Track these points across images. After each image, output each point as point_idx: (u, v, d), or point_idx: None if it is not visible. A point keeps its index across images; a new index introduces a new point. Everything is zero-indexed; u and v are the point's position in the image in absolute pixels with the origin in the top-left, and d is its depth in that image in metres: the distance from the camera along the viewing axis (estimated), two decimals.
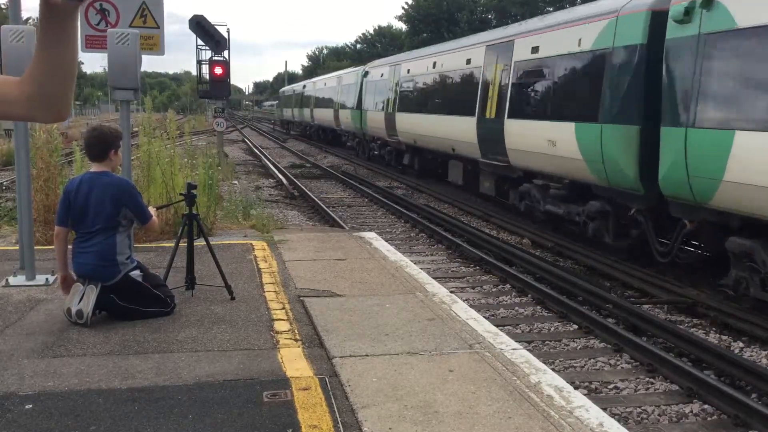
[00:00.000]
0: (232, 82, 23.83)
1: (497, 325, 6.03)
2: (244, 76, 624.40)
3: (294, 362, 4.61)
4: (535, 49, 12.89)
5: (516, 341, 5.21)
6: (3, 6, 47.16)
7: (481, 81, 15.47)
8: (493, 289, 9.65)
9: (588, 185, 11.16)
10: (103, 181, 5.41)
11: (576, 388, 4.88)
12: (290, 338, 5.11)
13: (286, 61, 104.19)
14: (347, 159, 31.11)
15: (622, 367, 6.80)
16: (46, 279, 6.55)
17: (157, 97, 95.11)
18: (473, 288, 9.72)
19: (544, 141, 11.92)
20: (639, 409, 5.80)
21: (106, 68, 7.73)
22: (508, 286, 9.77)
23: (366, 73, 28.54)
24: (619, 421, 5.02)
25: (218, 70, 21.36)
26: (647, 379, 6.45)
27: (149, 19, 7.93)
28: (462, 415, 3.79)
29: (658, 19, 9.36)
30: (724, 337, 7.67)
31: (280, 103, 68.16)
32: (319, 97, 39.96)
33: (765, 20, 7.48)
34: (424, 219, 14.79)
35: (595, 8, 11.36)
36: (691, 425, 5.57)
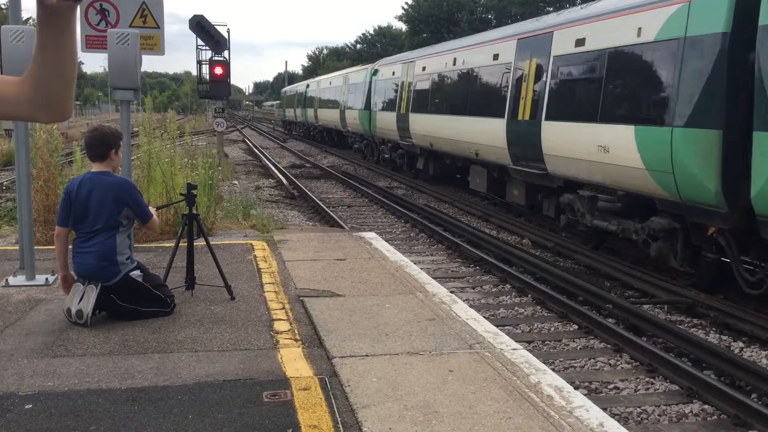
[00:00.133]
0: (232, 83, 23.74)
1: (497, 325, 6.03)
2: (244, 76, 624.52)
3: (294, 362, 4.61)
4: (580, 42, 11.33)
5: (516, 341, 5.21)
6: (3, 6, 47.20)
7: (511, 79, 13.87)
8: (493, 289, 9.65)
9: (650, 198, 9.57)
10: (104, 181, 5.41)
11: (576, 388, 4.88)
12: (290, 338, 5.11)
13: (286, 61, 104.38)
14: (354, 161, 31.02)
15: (622, 367, 6.80)
16: (46, 279, 6.55)
17: (157, 97, 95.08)
18: (473, 288, 9.72)
19: (593, 146, 10.40)
20: (639, 409, 5.80)
21: (106, 68, 7.74)
22: (508, 286, 9.77)
23: (375, 72, 27.03)
24: (619, 421, 5.02)
25: (218, 70, 21.36)
26: (647, 379, 6.45)
27: (149, 19, 7.93)
28: (462, 415, 3.79)
29: (744, 3, 8.03)
30: (724, 337, 7.67)
31: (281, 103, 66.55)
32: (324, 96, 38.45)
33: None
34: (424, 219, 14.79)
35: None
36: (691, 425, 5.57)
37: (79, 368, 4.45)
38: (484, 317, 6.03)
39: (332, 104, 35.61)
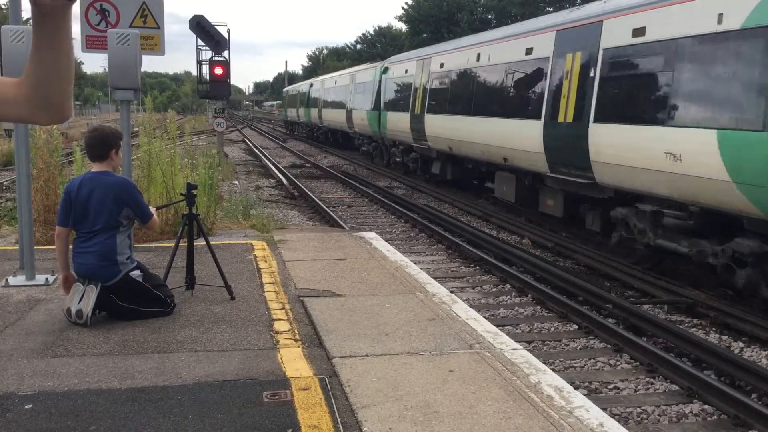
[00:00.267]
0: (232, 83, 23.70)
1: (497, 325, 6.03)
2: (244, 76, 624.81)
3: (294, 362, 4.61)
4: (638, 32, 9.83)
5: (516, 341, 5.21)
6: (3, 6, 47.19)
7: (549, 75, 12.35)
8: (493, 289, 9.65)
9: (735, 216, 8.25)
10: (105, 181, 5.41)
11: (576, 388, 4.88)
12: (290, 338, 5.11)
13: (286, 61, 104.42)
14: (354, 161, 31.00)
15: (622, 367, 6.80)
16: (46, 279, 6.55)
17: (157, 98, 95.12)
18: (473, 288, 9.72)
19: (658, 153, 8.98)
20: (639, 409, 5.80)
21: (107, 68, 7.74)
22: (508, 286, 9.77)
23: (386, 70, 25.37)
24: (619, 421, 5.03)
25: (218, 71, 21.36)
26: (647, 379, 6.45)
27: (149, 19, 7.93)
28: (462, 415, 3.79)
29: None
30: (724, 337, 7.67)
31: (283, 102, 64.75)
32: (329, 96, 36.77)
33: None
34: (424, 219, 14.79)
35: None
36: (691, 425, 5.57)
37: (79, 368, 4.45)
38: (484, 317, 6.03)
39: (338, 104, 34.12)
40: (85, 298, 5.30)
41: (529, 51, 13.42)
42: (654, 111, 9.45)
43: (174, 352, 4.77)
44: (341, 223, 14.14)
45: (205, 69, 22.79)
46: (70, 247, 5.53)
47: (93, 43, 7.87)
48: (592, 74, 10.97)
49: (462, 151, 17.12)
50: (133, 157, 9.00)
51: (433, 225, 14.03)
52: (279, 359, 4.67)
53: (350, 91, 31.21)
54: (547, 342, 7.52)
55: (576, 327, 7.94)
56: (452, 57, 18.30)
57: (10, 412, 3.80)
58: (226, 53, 21.62)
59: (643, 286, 9.48)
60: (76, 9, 8.25)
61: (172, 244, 6.70)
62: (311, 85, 44.89)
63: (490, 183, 18.25)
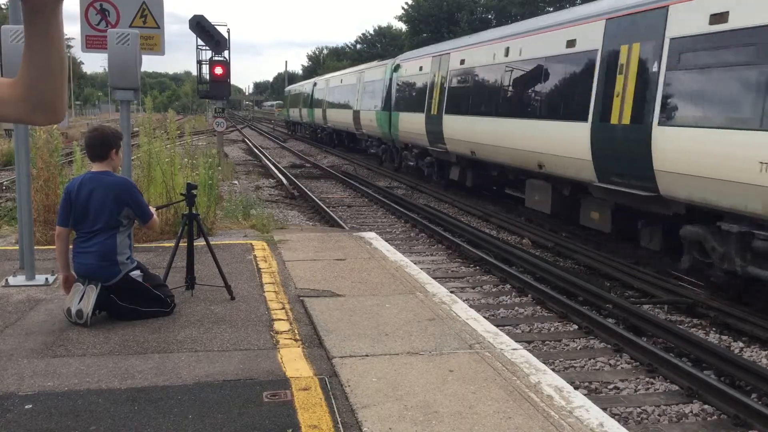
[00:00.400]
0: (232, 82, 23.67)
1: (497, 325, 6.03)
2: (244, 76, 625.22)
3: (294, 362, 4.61)
4: (717, 18, 8.32)
5: (516, 341, 5.21)
6: (3, 6, 47.20)
7: (598, 71, 10.82)
8: (493, 289, 9.65)
9: None
10: (105, 180, 5.41)
11: (576, 388, 4.88)
12: (290, 338, 5.11)
13: (286, 61, 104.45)
14: (354, 161, 30.99)
15: (622, 367, 6.80)
16: (46, 279, 6.55)
17: (157, 97, 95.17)
18: (473, 288, 9.72)
19: (752, 163, 7.59)
20: (639, 409, 5.80)
21: (106, 68, 7.74)
22: (508, 286, 9.77)
23: (397, 68, 23.75)
24: (619, 421, 5.02)
25: (218, 70, 21.36)
26: (647, 379, 6.45)
27: (149, 19, 7.93)
28: (462, 415, 3.79)
29: None
30: (724, 337, 7.67)
31: (285, 102, 62.98)
32: (335, 96, 35.05)
33: None
34: (424, 219, 14.79)
35: None
36: (691, 425, 5.57)
37: (79, 368, 4.45)
38: (484, 317, 6.04)
39: (344, 104, 32.47)
40: (85, 298, 5.30)
41: (571, 43, 11.75)
42: (746, 112, 7.97)
43: (174, 352, 4.77)
44: (341, 223, 14.15)
45: (205, 69, 22.79)
46: (70, 247, 5.53)
47: (93, 43, 7.87)
48: (655, 69, 9.37)
49: (487, 156, 15.46)
50: (133, 157, 9.00)
51: (433, 225, 14.03)
52: (279, 359, 4.67)
53: (357, 91, 29.69)
54: (547, 342, 7.52)
55: (576, 327, 7.94)
56: (475, 52, 16.55)
57: (10, 412, 3.80)
58: (226, 53, 21.63)
59: (643, 286, 9.48)
60: (75, 9, 8.16)
61: (172, 244, 6.70)
62: (315, 84, 43.23)
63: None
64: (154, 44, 8.01)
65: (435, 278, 7.65)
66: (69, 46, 79.52)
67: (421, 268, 7.77)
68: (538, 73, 13.09)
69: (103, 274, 5.38)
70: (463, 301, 6.56)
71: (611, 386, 6.29)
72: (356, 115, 29.34)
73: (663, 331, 7.47)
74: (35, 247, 6.90)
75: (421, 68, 20.71)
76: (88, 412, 3.82)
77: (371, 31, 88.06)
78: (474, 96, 16.33)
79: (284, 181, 22.08)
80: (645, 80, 9.65)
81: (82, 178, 5.56)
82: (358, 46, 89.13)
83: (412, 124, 20.91)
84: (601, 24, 10.93)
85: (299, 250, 8.38)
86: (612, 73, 10.52)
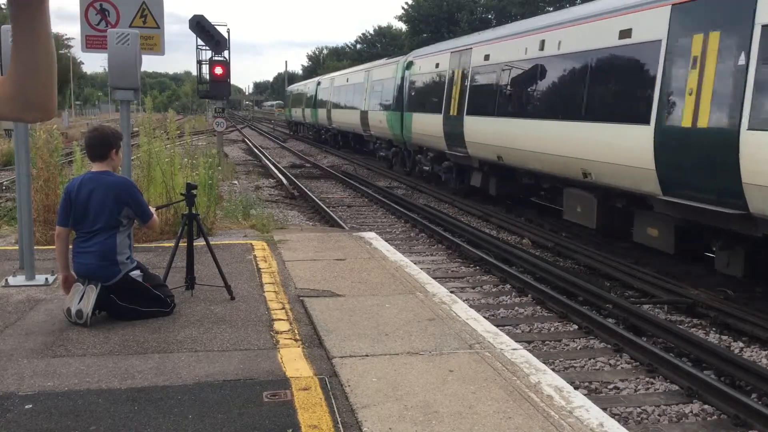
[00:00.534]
0: (232, 82, 23.65)
1: (497, 325, 6.03)
2: (244, 76, 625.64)
3: (294, 362, 4.61)
4: None
5: (516, 341, 5.21)
6: (3, 6, 47.18)
7: (663, 65, 9.21)
8: (493, 289, 9.65)
9: None
10: (105, 180, 5.42)
11: (576, 388, 4.88)
12: (290, 338, 5.11)
13: (286, 61, 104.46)
14: (354, 161, 30.98)
15: (622, 367, 6.80)
16: (46, 279, 6.55)
17: (157, 97, 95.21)
18: (473, 288, 9.72)
19: None
20: (639, 409, 5.80)
21: (107, 68, 7.74)
22: (508, 286, 9.77)
23: (409, 65, 22.14)
24: (619, 421, 5.02)
25: (218, 70, 21.37)
26: (647, 379, 6.45)
27: (149, 19, 7.93)
28: (462, 415, 3.79)
29: None
30: (724, 337, 7.67)
31: (287, 102, 61.35)
32: (340, 95, 33.46)
33: None
34: (424, 219, 14.79)
35: None
36: (691, 425, 5.57)
37: (79, 368, 4.45)
38: (484, 317, 6.04)
39: (351, 104, 30.87)
40: (85, 298, 5.30)
41: (625, 34, 10.20)
42: None
43: (174, 352, 4.77)
44: (341, 223, 14.15)
45: (205, 69, 22.80)
46: (70, 247, 5.53)
47: (93, 43, 7.87)
48: (742, 62, 8.03)
49: (516, 162, 13.87)
50: (133, 157, 9.00)
51: (433, 225, 14.03)
52: (279, 359, 4.67)
53: (365, 90, 28.08)
54: (547, 342, 7.52)
55: (576, 327, 7.94)
56: (503, 46, 14.85)
57: (10, 412, 3.80)
58: (226, 53, 21.64)
59: (643, 286, 9.48)
60: (75, 9, 8.15)
61: (171, 244, 6.70)
62: (319, 83, 41.45)
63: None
64: (154, 44, 8.01)
65: (435, 278, 7.65)
66: (68, 46, 79.59)
67: (421, 268, 7.77)
68: (582, 68, 11.48)
69: (103, 274, 5.38)
70: (463, 301, 6.56)
71: (611, 386, 6.29)
72: (364, 115, 27.89)
73: (663, 331, 7.47)
74: (35, 247, 6.90)
75: (437, 65, 19.08)
76: (88, 412, 3.82)
77: (371, 31, 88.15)
78: (502, 95, 14.60)
79: (284, 181, 22.08)
80: (729, 76, 8.21)
81: (82, 178, 5.56)
82: (358, 46, 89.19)
83: (427, 125, 19.31)
84: (665, 11, 9.33)
85: (299, 250, 8.38)
86: (682, 67, 8.96)
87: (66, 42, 79.71)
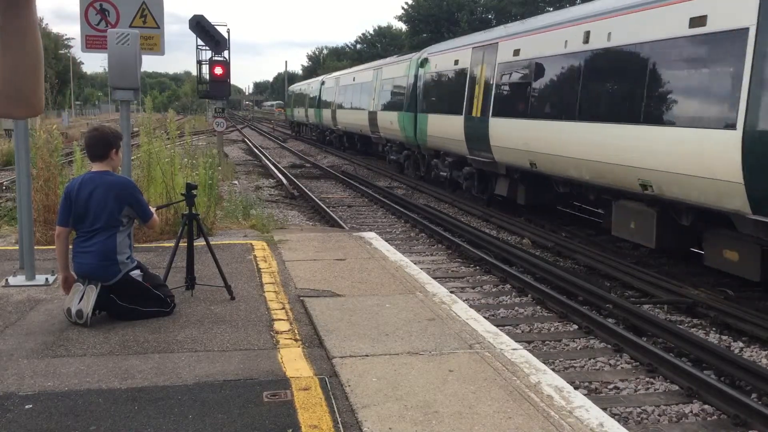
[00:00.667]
0: (232, 82, 23.63)
1: (497, 325, 6.03)
2: (244, 76, 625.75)
3: (294, 362, 4.61)
4: None
5: (516, 341, 5.21)
6: None
7: (752, 57, 7.68)
8: (493, 289, 9.65)
9: None
10: (106, 180, 5.42)
11: (576, 388, 4.88)
12: (290, 338, 5.11)
13: (286, 61, 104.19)
14: (355, 162, 30.95)
15: (622, 367, 6.80)
16: (46, 279, 6.55)
17: (157, 97, 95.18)
18: (473, 288, 9.72)
19: None
20: (639, 409, 5.80)
21: (107, 68, 7.74)
22: (508, 286, 9.77)
23: (424, 62, 20.56)
24: (619, 421, 5.02)
25: (218, 70, 21.36)
26: (647, 379, 6.45)
27: (149, 19, 7.93)
28: (462, 415, 3.79)
29: None
30: (724, 337, 7.67)
31: (288, 102, 59.59)
32: (346, 95, 31.86)
33: None
34: (424, 219, 14.79)
35: None
36: (691, 425, 5.57)
37: (79, 368, 4.45)
38: (484, 317, 6.04)
39: (358, 104, 29.37)
40: (85, 298, 5.30)
41: (698, 21, 8.65)
42: None
43: (174, 352, 4.77)
44: (341, 223, 14.15)
45: (205, 69, 22.79)
46: (70, 247, 5.53)
47: (93, 43, 7.87)
48: None
49: (554, 170, 12.32)
50: (133, 157, 9.00)
51: (433, 225, 14.03)
52: (279, 359, 4.67)
53: (374, 89, 26.48)
54: (547, 342, 7.52)
55: (576, 327, 7.94)
56: (536, 40, 13.25)
57: (10, 412, 3.80)
58: (226, 53, 21.63)
59: (643, 286, 9.48)
60: (75, 9, 8.14)
61: (172, 244, 6.70)
62: (323, 82, 39.78)
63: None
64: (154, 44, 8.01)
65: (435, 278, 7.65)
66: (69, 46, 79.52)
67: (421, 268, 7.77)
68: (641, 63, 9.82)
69: (103, 274, 5.38)
70: (463, 301, 6.56)
71: (611, 386, 6.29)
72: (372, 116, 26.26)
73: (663, 331, 7.47)
74: (35, 247, 6.90)
75: (456, 62, 17.51)
76: (88, 412, 3.82)
77: (371, 31, 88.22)
78: (536, 95, 13.06)
79: (284, 181, 22.09)
80: None
81: (82, 178, 5.56)
82: (358, 46, 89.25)
83: (445, 127, 17.82)
84: None
85: (299, 250, 8.38)
86: None
87: (66, 42, 79.70)
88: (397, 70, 23.83)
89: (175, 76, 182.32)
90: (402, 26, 73.55)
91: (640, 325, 7.76)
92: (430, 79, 19.83)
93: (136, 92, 7.15)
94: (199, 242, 6.43)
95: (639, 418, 5.67)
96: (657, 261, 10.82)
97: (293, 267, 7.42)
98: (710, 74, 8.62)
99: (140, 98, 9.13)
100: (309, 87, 45.74)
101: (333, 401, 3.98)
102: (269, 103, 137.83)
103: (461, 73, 17.07)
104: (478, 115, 15.53)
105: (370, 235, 9.53)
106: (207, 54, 22.54)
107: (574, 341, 7.53)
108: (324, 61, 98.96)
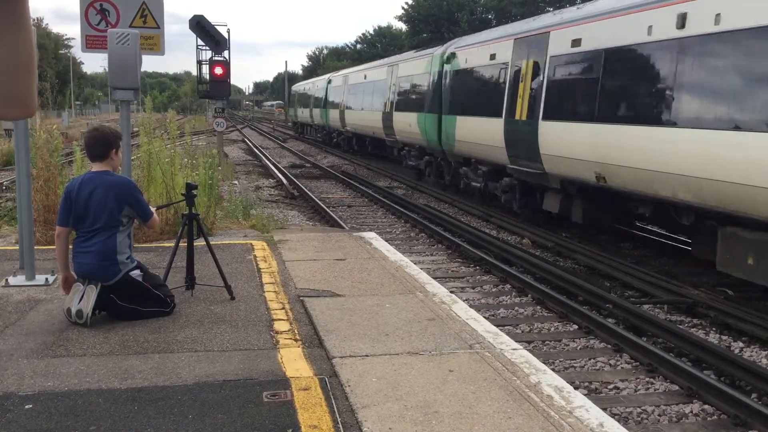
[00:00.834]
0: (232, 82, 23.61)
1: (497, 325, 6.03)
2: (244, 76, 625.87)
3: (294, 362, 4.61)
4: None
5: (516, 341, 5.21)
6: None
7: None
8: (493, 289, 9.65)
9: None
10: (106, 180, 5.42)
11: (576, 388, 4.88)
12: (290, 338, 5.11)
13: (286, 61, 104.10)
14: (355, 162, 30.94)
15: (622, 367, 6.80)
16: (46, 279, 6.55)
17: (157, 97, 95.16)
18: (473, 288, 9.72)
19: None
20: (639, 409, 5.80)
21: (106, 68, 7.74)
22: (508, 286, 9.77)
23: (450, 57, 18.13)
24: (619, 421, 5.02)
25: (218, 70, 21.35)
26: (647, 379, 6.45)
27: (149, 19, 7.93)
28: (462, 415, 3.79)
29: None
30: (724, 337, 7.67)
31: (291, 102, 57.97)
32: (357, 94, 29.65)
33: None
34: (424, 219, 14.79)
35: None
36: (691, 425, 5.57)
37: (79, 368, 4.45)
38: (484, 317, 6.04)
39: (370, 104, 27.02)
40: (85, 298, 5.30)
41: None
42: None
43: (174, 352, 4.77)
44: (341, 223, 14.15)
45: (205, 69, 22.79)
46: (70, 247, 5.53)
47: (93, 43, 7.87)
48: None
49: (631, 185, 10.16)
50: (133, 157, 9.00)
51: (433, 225, 14.03)
52: (279, 359, 4.67)
53: (389, 88, 24.25)
54: (547, 342, 7.52)
55: (576, 327, 7.94)
56: (605, 27, 10.86)
57: (10, 412, 3.80)
58: (226, 53, 21.62)
59: (643, 286, 9.48)
60: (75, 9, 8.15)
61: (172, 244, 6.70)
62: (329, 81, 37.33)
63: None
64: (154, 44, 8.01)
65: (435, 278, 7.65)
66: (69, 46, 79.53)
67: (421, 268, 7.77)
68: None
69: (103, 274, 5.38)
70: (463, 301, 6.56)
71: (611, 386, 6.29)
72: (387, 117, 23.88)
73: (663, 331, 7.47)
74: (35, 247, 6.90)
75: (493, 56, 15.12)
76: (88, 412, 3.82)
77: (371, 31, 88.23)
78: (606, 94, 10.77)
79: (284, 181, 22.09)
80: None
81: (82, 178, 5.56)
82: (358, 46, 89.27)
83: (478, 132, 15.57)
84: None
85: (299, 250, 8.38)
86: None
87: (66, 42, 79.67)
88: (417, 67, 21.28)
89: (175, 76, 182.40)
90: (402, 26, 73.58)
91: (640, 325, 7.76)
92: (458, 77, 17.45)
93: (136, 92, 7.15)
94: (199, 242, 6.43)
95: (639, 418, 5.67)
96: (657, 261, 10.82)
97: (293, 267, 7.42)
98: None
99: (140, 98, 9.13)
100: (314, 86, 43.60)
101: (333, 401, 3.98)
102: (269, 103, 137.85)
103: (500, 69, 14.71)
104: (523, 118, 13.29)
105: (370, 235, 9.53)
106: (207, 54, 22.54)
107: (574, 341, 7.53)
108: (324, 61, 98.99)
